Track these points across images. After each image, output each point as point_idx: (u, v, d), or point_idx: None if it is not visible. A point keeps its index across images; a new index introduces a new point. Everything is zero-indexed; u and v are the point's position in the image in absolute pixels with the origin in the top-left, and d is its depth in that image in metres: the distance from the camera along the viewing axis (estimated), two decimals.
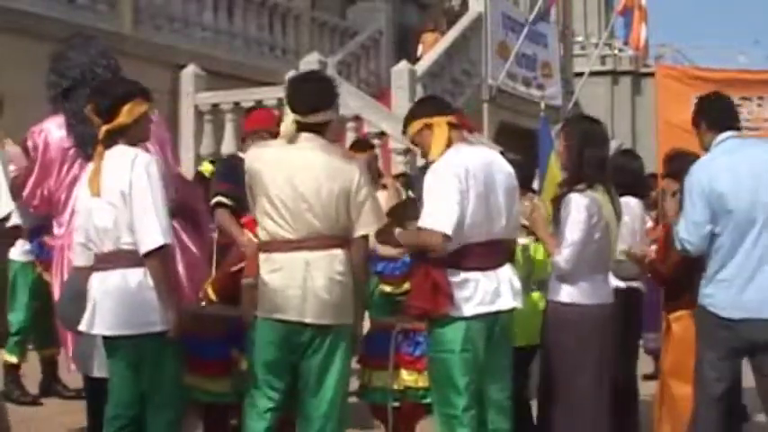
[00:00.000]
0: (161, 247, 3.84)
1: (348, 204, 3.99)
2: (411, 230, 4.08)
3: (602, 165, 4.43)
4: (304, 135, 4.07)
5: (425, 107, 4.31)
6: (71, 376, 5.77)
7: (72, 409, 5.49)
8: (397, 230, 4.16)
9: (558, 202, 4.44)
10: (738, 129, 4.53)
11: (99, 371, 4.37)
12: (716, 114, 4.54)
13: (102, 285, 3.90)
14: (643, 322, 5.75)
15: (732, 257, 4.25)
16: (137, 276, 3.87)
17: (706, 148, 4.52)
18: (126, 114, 3.97)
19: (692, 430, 4.46)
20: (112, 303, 3.88)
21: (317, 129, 4.08)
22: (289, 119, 4.09)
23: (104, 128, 3.96)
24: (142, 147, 4.11)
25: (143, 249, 3.83)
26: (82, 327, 3.98)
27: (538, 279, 5.02)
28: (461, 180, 3.94)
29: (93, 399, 4.53)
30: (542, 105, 8.93)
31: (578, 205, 4.30)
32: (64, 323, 4.51)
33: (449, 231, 3.88)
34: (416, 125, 4.22)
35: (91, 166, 4.04)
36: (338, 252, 4.00)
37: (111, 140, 3.97)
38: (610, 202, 4.41)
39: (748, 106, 12.04)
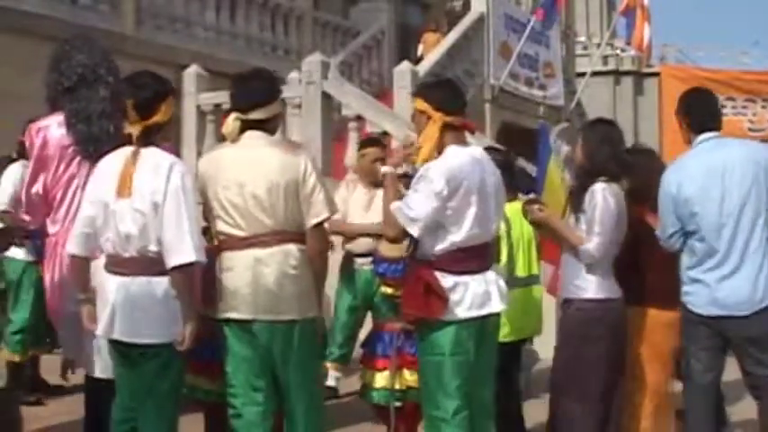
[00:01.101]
0: (190, 263, 3.77)
1: (298, 197, 3.98)
2: (396, 245, 4.16)
3: (618, 162, 4.48)
4: (248, 133, 4.05)
5: (437, 95, 4.16)
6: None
7: (74, 410, 5.49)
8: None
9: (578, 194, 4.45)
10: (718, 129, 4.54)
11: (102, 372, 4.36)
12: (696, 115, 4.58)
13: (125, 291, 3.82)
14: None
15: (708, 258, 4.36)
16: (162, 285, 3.80)
17: (689, 143, 4.57)
18: (164, 112, 3.90)
19: (684, 418, 4.57)
20: (137, 311, 3.81)
21: (261, 125, 4.06)
22: (231, 117, 4.08)
23: (143, 124, 3.85)
24: (165, 148, 4.04)
25: (172, 263, 3.74)
26: (99, 332, 3.93)
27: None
28: (449, 195, 3.92)
29: (93, 397, 4.53)
30: (541, 111, 8.93)
31: (605, 195, 4.35)
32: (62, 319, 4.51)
33: (415, 234, 3.93)
34: (421, 105, 4.15)
35: (113, 163, 3.91)
36: (291, 247, 3.98)
37: (147, 139, 3.88)
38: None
39: (753, 108, 12.08)
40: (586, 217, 4.37)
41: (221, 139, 4.53)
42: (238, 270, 3.95)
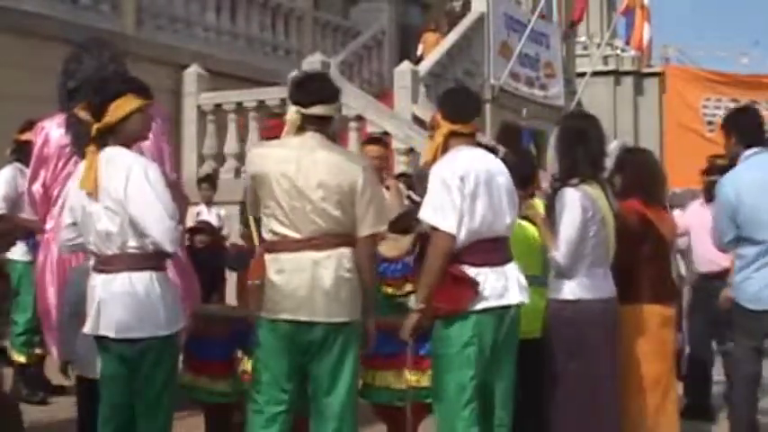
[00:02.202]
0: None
1: (353, 203, 3.98)
2: (396, 245, 4.31)
3: (595, 161, 4.45)
4: (308, 133, 4.04)
5: (444, 104, 4.33)
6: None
7: (75, 410, 5.49)
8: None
9: (551, 197, 4.46)
10: (763, 143, 5.02)
11: (95, 372, 4.36)
12: (747, 131, 5.06)
13: (108, 287, 3.85)
14: None
15: (757, 260, 4.80)
16: (143, 279, 3.84)
17: (732, 157, 5.10)
18: (112, 113, 3.89)
19: (730, 400, 5.10)
20: (120, 306, 3.84)
21: (320, 124, 4.06)
22: (292, 110, 4.07)
23: (95, 126, 3.90)
24: (136, 148, 4.05)
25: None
26: (86, 329, 3.94)
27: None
28: (460, 180, 4.00)
29: (87, 399, 4.53)
30: (524, 112, 8.91)
31: (572, 199, 4.34)
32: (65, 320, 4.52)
33: (454, 231, 3.98)
34: (436, 115, 4.31)
35: (83, 164, 3.97)
36: (345, 250, 3.99)
37: (101, 139, 3.91)
38: (605, 198, 4.42)
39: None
40: (556, 223, 4.38)
41: (261, 139, 4.52)
42: (295, 272, 3.94)
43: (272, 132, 5.43)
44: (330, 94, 4.11)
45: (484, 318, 4.03)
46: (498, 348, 4.10)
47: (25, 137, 6.05)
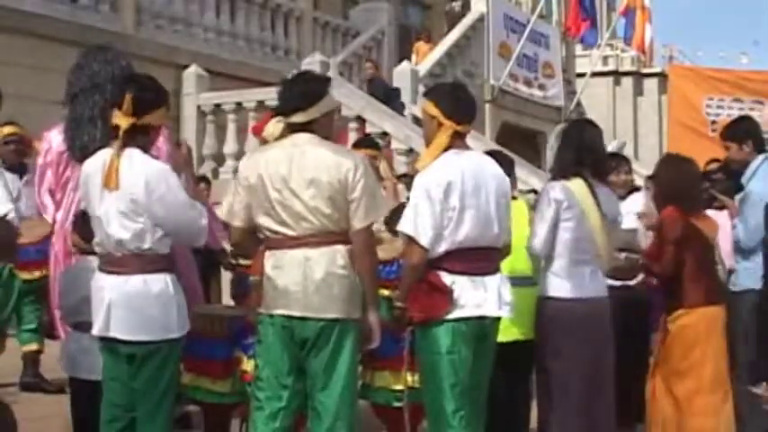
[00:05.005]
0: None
1: (345, 199, 3.97)
2: (392, 246, 4.21)
3: (581, 161, 4.46)
4: (294, 135, 4.03)
5: (451, 103, 4.18)
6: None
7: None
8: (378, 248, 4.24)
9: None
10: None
11: (87, 373, 4.36)
12: (760, 137, 5.34)
13: (120, 289, 3.84)
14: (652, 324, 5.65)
15: None
16: (158, 283, 3.84)
17: (743, 163, 5.29)
18: (158, 116, 3.94)
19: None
20: (133, 308, 3.83)
21: (305, 127, 4.04)
22: (273, 120, 4.08)
23: (133, 121, 3.85)
24: (159, 153, 4.08)
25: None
26: (94, 330, 3.93)
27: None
28: (444, 192, 3.98)
29: (79, 400, 4.54)
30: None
31: (546, 192, 4.45)
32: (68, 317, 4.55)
33: (426, 244, 3.98)
34: (432, 110, 4.18)
35: (95, 165, 3.94)
36: (340, 247, 3.98)
37: (133, 135, 3.87)
38: (589, 194, 4.41)
39: (760, 110, 12.10)
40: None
41: (263, 142, 4.54)
42: (288, 268, 3.96)
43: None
44: (309, 99, 4.04)
45: (460, 326, 4.02)
46: (475, 358, 4.08)
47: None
